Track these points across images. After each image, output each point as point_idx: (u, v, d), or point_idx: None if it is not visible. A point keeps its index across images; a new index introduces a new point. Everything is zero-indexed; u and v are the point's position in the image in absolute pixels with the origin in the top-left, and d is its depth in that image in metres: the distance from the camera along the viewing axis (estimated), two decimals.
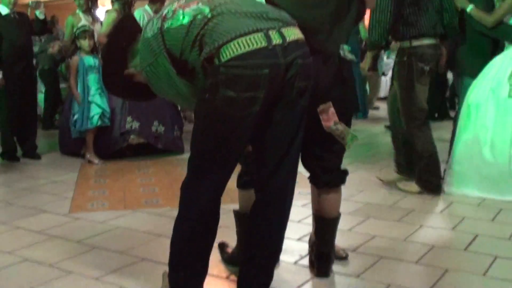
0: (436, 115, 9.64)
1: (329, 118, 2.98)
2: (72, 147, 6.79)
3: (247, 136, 2.64)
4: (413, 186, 4.98)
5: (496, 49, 5.20)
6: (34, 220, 4.30)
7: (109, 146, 6.61)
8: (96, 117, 6.39)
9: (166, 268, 3.03)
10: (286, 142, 2.70)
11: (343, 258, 3.41)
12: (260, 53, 2.48)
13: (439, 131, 8.47)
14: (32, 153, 6.73)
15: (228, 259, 3.35)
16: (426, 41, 4.74)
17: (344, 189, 4.99)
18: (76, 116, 6.45)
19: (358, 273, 3.25)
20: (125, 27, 3.04)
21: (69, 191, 5.18)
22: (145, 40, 2.69)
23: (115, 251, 3.61)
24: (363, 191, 5.04)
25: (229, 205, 4.37)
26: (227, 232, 3.75)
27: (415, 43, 4.72)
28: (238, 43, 2.47)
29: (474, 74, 5.07)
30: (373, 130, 8.81)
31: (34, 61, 7.77)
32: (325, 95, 2.94)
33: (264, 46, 2.49)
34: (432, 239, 3.81)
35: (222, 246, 3.46)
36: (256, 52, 2.48)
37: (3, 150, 6.63)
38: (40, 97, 8.59)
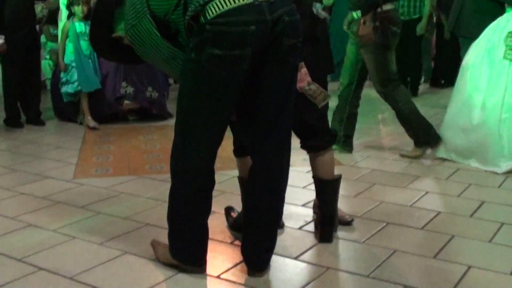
0: (443, 81, 9.57)
1: (302, 79, 2.94)
2: (66, 112, 6.82)
3: (235, 97, 2.60)
4: (416, 151, 4.98)
5: (501, 13, 5.12)
6: (38, 186, 4.29)
7: (103, 110, 6.62)
8: (90, 79, 6.45)
9: (157, 237, 3.05)
10: (278, 103, 2.66)
11: (349, 223, 3.40)
12: (247, 9, 2.44)
13: (446, 98, 8.45)
14: (36, 119, 6.71)
15: (232, 225, 3.34)
16: (391, 5, 4.73)
17: (349, 155, 5.03)
18: (64, 79, 6.47)
19: (363, 239, 3.23)
20: None
21: (73, 157, 5.16)
22: (130, 1, 2.65)
23: (119, 216, 3.60)
24: (368, 158, 5.01)
25: (233, 171, 4.38)
26: (231, 198, 3.75)
27: (386, 7, 4.65)
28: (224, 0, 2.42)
29: (470, 35, 5.03)
30: (378, 96, 8.73)
31: (38, 27, 7.70)
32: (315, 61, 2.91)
33: (250, 2, 2.44)
34: (438, 205, 3.78)
35: (228, 211, 3.46)
36: (242, 8, 2.43)
37: (7, 116, 6.61)
38: (44, 63, 8.53)
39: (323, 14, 3.03)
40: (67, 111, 6.80)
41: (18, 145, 5.70)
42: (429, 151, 4.97)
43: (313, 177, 3.25)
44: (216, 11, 2.41)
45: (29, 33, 6.53)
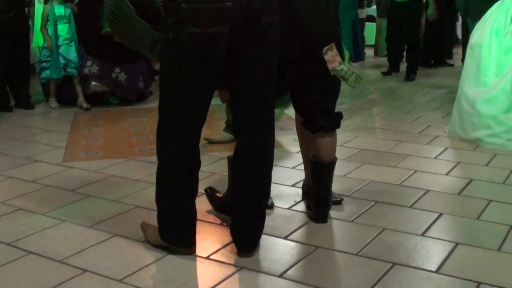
0: (432, 61, 9.59)
1: (334, 60, 2.95)
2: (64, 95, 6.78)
3: (215, 75, 2.60)
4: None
5: None
6: (27, 170, 4.28)
7: (72, 92, 6.60)
8: (59, 67, 6.38)
9: (146, 219, 3.05)
10: (259, 81, 2.66)
11: (338, 202, 3.41)
12: None
13: (436, 77, 8.48)
14: (25, 103, 6.66)
15: (219, 207, 3.30)
16: None
17: (339, 135, 4.99)
18: (43, 64, 6.45)
19: (352, 217, 3.25)
20: None
21: (63, 140, 5.14)
22: None
23: (109, 199, 3.61)
24: (358, 137, 5.02)
25: (223, 152, 4.39)
26: (221, 179, 3.76)
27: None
28: None
29: (480, 17, 5.07)
30: (371, 76, 8.76)
31: (26, 9, 7.63)
32: (327, 36, 2.90)
33: None
34: (427, 183, 3.80)
35: (212, 191, 3.40)
36: None
37: None
38: (33, 46, 8.46)
39: None
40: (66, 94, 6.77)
41: (7, 129, 5.67)
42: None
43: (311, 158, 3.24)
44: None
45: (16, 16, 6.44)
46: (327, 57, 2.95)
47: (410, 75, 8.25)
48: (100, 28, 2.87)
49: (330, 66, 2.95)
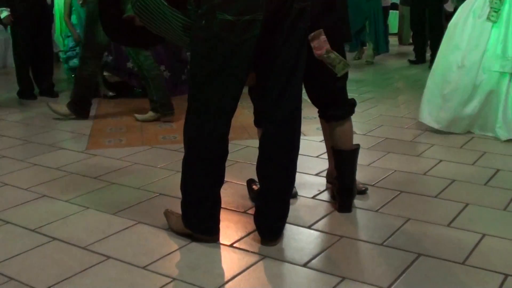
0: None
1: (321, 46, 2.91)
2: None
3: (248, 64, 2.57)
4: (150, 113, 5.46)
5: None
6: (51, 157, 4.30)
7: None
8: None
9: (170, 207, 3.04)
10: (288, 68, 2.63)
11: (363, 191, 3.38)
12: None
13: None
14: (49, 91, 6.70)
15: (255, 198, 3.29)
16: None
17: (363, 124, 5.01)
18: (69, 53, 6.41)
19: (377, 207, 3.22)
20: None
21: (87, 128, 5.17)
22: None
23: (132, 186, 3.61)
24: (382, 126, 4.98)
25: (246, 140, 4.38)
26: (244, 167, 3.75)
27: None
28: None
29: None
30: (395, 65, 8.69)
31: None
32: (315, 22, 2.86)
33: None
34: (452, 173, 3.75)
35: (250, 184, 3.41)
36: None
37: (20, 88, 6.61)
38: (57, 35, 8.50)
39: None
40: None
41: (32, 117, 5.71)
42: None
43: (332, 147, 3.22)
44: None
45: (36, 3, 6.44)
46: (313, 43, 2.91)
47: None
48: (122, 12, 2.81)
49: (316, 53, 2.90)
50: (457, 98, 4.63)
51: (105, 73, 6.54)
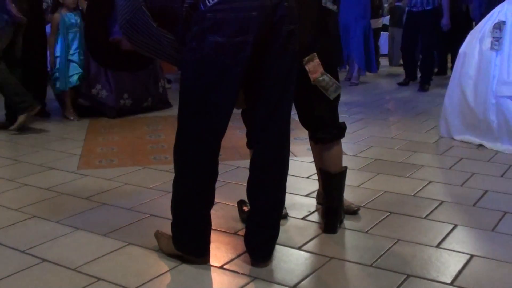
0: (436, 70, 9.54)
1: (316, 70, 2.94)
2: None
3: (239, 85, 2.59)
4: (20, 118, 5.71)
5: None
6: (42, 177, 4.30)
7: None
8: (75, 77, 6.38)
9: (160, 228, 3.04)
10: (279, 90, 2.65)
11: (355, 212, 3.40)
12: None
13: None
14: (40, 111, 6.66)
15: (246, 219, 3.29)
16: None
17: (353, 145, 5.03)
18: (56, 74, 6.41)
19: (366, 228, 3.24)
20: None
21: (78, 148, 5.17)
22: None
23: (123, 207, 3.61)
24: (372, 147, 5.00)
25: (237, 161, 4.39)
26: (235, 188, 3.76)
27: None
28: None
29: None
30: (386, 86, 8.75)
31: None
32: (308, 46, 2.88)
33: None
34: (441, 194, 3.78)
35: (241, 205, 3.42)
36: None
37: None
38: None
39: (330, 5, 3.01)
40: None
41: (22, 137, 5.70)
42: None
43: (320, 169, 3.24)
44: None
45: (31, 23, 6.38)
46: (308, 67, 2.94)
47: (423, 86, 8.23)
48: (108, 36, 2.84)
49: (311, 76, 2.93)
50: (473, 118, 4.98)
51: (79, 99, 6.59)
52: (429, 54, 8.46)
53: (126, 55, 2.87)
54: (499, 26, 4.88)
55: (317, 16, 2.98)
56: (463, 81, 5.04)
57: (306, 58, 2.92)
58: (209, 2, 2.41)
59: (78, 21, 6.39)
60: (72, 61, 6.37)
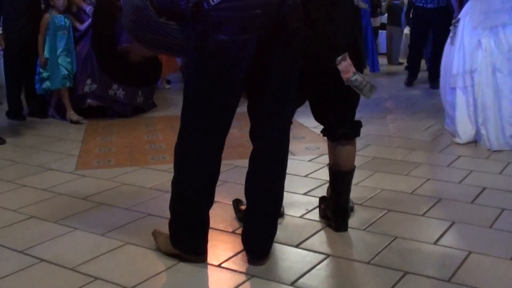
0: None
1: (348, 70, 2.93)
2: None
3: (242, 83, 2.59)
4: None
5: None
6: (40, 178, 4.30)
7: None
8: (59, 79, 6.34)
9: (158, 227, 3.05)
10: (280, 88, 2.65)
11: (351, 209, 3.39)
12: None
13: None
14: (38, 112, 6.69)
15: (242, 218, 3.29)
16: None
17: None
18: (43, 74, 6.39)
19: (365, 226, 3.24)
20: (104, 9, 3.00)
21: (76, 148, 5.17)
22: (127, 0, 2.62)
23: (121, 207, 3.61)
24: (370, 145, 5.00)
25: (236, 160, 4.40)
26: (234, 187, 3.76)
27: None
28: None
29: None
30: (384, 84, 8.74)
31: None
32: (344, 46, 2.89)
33: None
34: (439, 192, 3.78)
35: (237, 204, 3.41)
36: None
37: (9, 108, 6.60)
38: None
39: (362, 4, 3.00)
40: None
41: (20, 138, 5.71)
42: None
43: (331, 166, 3.20)
44: None
45: (26, 25, 6.36)
46: (340, 67, 2.93)
47: (435, 83, 8.11)
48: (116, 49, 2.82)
49: (344, 76, 2.92)
50: None
51: (89, 100, 6.52)
52: (441, 50, 8.45)
53: (135, 70, 2.87)
54: (456, 22, 5.31)
55: (351, 16, 2.97)
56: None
57: (339, 58, 2.90)
58: (213, 1, 2.41)
59: (68, 23, 6.39)
60: (58, 63, 6.36)
